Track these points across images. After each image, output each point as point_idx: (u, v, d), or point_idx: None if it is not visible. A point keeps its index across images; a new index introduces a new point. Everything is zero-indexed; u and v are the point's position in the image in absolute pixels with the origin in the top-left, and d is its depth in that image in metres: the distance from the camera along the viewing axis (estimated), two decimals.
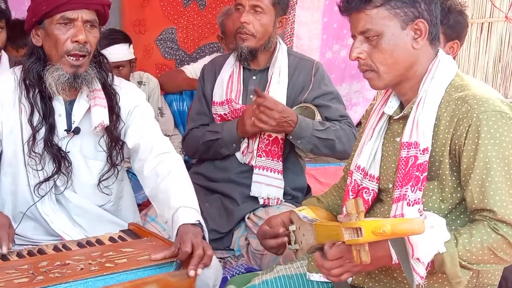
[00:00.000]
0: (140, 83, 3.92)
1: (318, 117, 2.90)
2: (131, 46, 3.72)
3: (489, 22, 6.44)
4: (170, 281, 1.85)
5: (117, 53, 3.54)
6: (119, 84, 2.44)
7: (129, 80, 3.49)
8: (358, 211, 1.58)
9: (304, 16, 5.22)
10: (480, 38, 6.36)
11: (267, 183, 2.90)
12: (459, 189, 1.83)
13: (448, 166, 1.82)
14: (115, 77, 2.45)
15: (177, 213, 2.08)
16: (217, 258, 2.73)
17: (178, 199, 2.14)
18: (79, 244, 2.05)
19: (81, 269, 1.81)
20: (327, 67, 5.27)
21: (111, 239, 2.10)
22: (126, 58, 3.66)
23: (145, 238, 2.11)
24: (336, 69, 5.18)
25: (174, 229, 2.05)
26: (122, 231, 2.18)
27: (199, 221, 2.07)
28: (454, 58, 2.75)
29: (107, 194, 2.39)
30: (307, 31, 5.23)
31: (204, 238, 2.04)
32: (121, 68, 3.61)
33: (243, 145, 2.93)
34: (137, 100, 2.45)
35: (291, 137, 2.81)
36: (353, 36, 1.91)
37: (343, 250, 1.67)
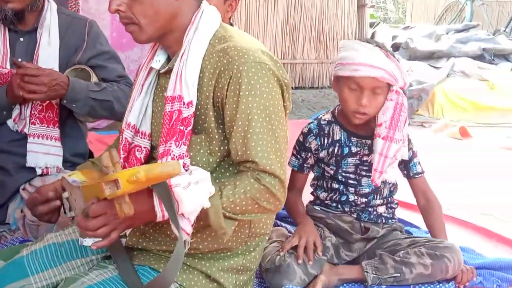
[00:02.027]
0: None
1: (94, 78, 2.75)
2: None
3: None
4: None
5: None
6: None
7: None
8: (113, 163, 1.52)
9: None
10: (268, 1, 6.53)
11: (44, 152, 2.71)
12: (226, 141, 1.82)
13: (213, 119, 1.81)
14: None
15: None
16: None
17: None
18: None
19: None
20: (120, 31, 5.16)
21: None
22: None
23: None
24: (127, 33, 5.04)
25: None
26: None
27: None
28: (232, 15, 2.78)
29: None
30: None
31: None
32: None
33: (15, 112, 2.70)
34: None
35: (65, 101, 2.64)
36: None
37: (105, 207, 1.59)
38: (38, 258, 1.90)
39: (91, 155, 3.01)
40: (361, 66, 2.23)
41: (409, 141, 2.43)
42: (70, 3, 4.94)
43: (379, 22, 10.20)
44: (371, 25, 8.70)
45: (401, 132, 2.29)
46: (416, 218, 2.91)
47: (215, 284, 1.88)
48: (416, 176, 2.46)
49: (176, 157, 1.77)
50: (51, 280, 1.86)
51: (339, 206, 2.44)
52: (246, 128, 1.75)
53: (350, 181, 2.41)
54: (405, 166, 2.45)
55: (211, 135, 1.82)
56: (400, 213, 2.75)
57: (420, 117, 6.18)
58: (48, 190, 1.97)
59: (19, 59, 2.65)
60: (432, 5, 12.62)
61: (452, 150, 5.18)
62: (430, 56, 7.25)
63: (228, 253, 1.91)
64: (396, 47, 7.65)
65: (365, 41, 2.33)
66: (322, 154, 2.42)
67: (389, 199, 2.48)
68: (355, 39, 7.03)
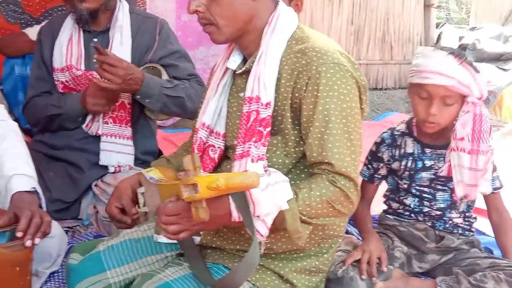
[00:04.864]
0: None
1: (165, 77, 2.80)
2: None
3: None
4: (3, 253, 1.71)
5: None
6: None
7: None
8: (194, 167, 1.52)
9: None
10: (333, 1, 6.47)
11: (117, 151, 2.78)
12: (301, 143, 1.82)
13: (290, 120, 1.81)
14: None
15: (11, 181, 1.94)
16: (65, 228, 2.63)
17: (11, 167, 1.99)
18: None
19: None
20: (184, 30, 5.22)
21: None
22: None
23: None
24: (193, 32, 5.11)
25: (8, 197, 1.91)
26: None
27: (34, 188, 1.94)
28: (299, 15, 2.77)
29: None
30: None
31: (41, 206, 1.92)
32: None
33: (88, 118, 2.78)
34: None
35: (138, 96, 2.69)
36: None
37: (181, 207, 1.60)
38: (115, 253, 1.94)
39: (160, 153, 3.06)
40: (432, 74, 2.16)
41: None
42: (138, 1, 5.03)
43: (445, 23, 10.02)
44: (437, 25, 8.55)
45: (486, 142, 2.20)
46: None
47: (288, 284, 1.88)
48: (494, 192, 2.34)
49: (255, 158, 1.77)
50: (127, 275, 1.90)
51: (412, 215, 2.38)
52: (323, 129, 1.74)
53: (425, 195, 2.33)
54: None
55: (287, 137, 1.82)
56: None
57: None
58: (129, 202, 2.01)
59: (94, 60, 2.72)
60: (498, 5, 12.31)
61: None
62: (498, 58, 7.08)
63: (301, 254, 1.91)
64: (462, 48, 7.50)
65: (440, 48, 2.25)
66: (395, 165, 2.36)
67: (467, 213, 2.39)
68: (421, 40, 6.93)
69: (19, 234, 1.73)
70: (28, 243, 1.73)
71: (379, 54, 6.83)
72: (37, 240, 1.76)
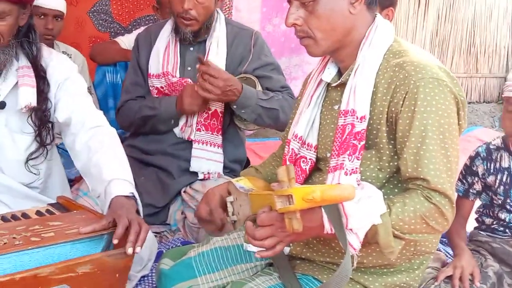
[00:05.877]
0: (65, 54, 3.76)
1: (259, 88, 2.84)
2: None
3: None
4: (106, 261, 1.74)
5: (57, 1, 3.47)
6: (49, 56, 2.31)
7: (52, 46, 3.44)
8: (289, 178, 1.52)
9: None
10: (418, 12, 6.40)
11: (207, 158, 2.83)
12: (396, 157, 1.79)
13: (385, 134, 1.79)
14: (45, 49, 2.32)
15: (110, 186, 1.99)
16: (153, 232, 2.69)
17: (110, 172, 2.05)
18: (3, 218, 1.92)
19: (4, 243, 1.69)
20: (267, 41, 5.25)
21: (38, 212, 1.99)
22: (63, 9, 3.57)
23: (75, 211, 2.02)
24: (276, 42, 5.14)
25: (106, 202, 1.96)
26: (50, 204, 2.09)
27: (132, 193, 1.99)
28: None
29: (35, 174, 2.28)
30: (246, 3, 5.18)
31: (137, 211, 1.97)
32: (59, 19, 3.53)
33: (182, 121, 2.84)
34: (68, 72, 2.33)
35: (235, 106, 2.73)
36: (289, 2, 1.86)
37: (274, 218, 1.60)
38: (206, 260, 1.97)
39: (247, 161, 3.09)
40: None
41: None
42: (224, 12, 5.11)
43: None
44: None
45: None
46: None
47: None
48: None
49: (349, 171, 1.76)
50: (217, 283, 1.92)
51: (507, 230, 2.33)
52: (419, 145, 1.71)
53: None
54: None
55: (382, 151, 1.80)
56: None
57: None
58: (217, 207, 2.04)
59: (189, 68, 2.77)
60: None
61: None
62: None
63: (392, 270, 1.89)
64: None
65: None
66: (490, 179, 2.32)
67: None
68: (507, 53, 6.75)
69: (115, 241, 1.78)
70: (130, 251, 1.76)
71: (463, 67, 6.69)
72: (138, 249, 1.79)
